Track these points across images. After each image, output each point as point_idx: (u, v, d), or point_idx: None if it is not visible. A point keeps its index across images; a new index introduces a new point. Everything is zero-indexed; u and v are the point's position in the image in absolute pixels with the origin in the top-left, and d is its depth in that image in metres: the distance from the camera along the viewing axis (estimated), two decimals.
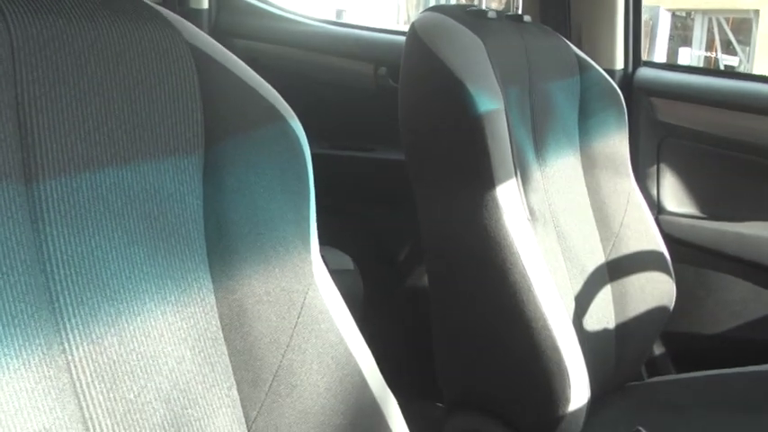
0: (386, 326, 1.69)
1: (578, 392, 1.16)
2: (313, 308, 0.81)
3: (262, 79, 0.82)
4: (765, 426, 1.35)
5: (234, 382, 0.76)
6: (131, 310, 0.68)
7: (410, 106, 1.18)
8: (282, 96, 0.82)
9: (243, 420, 0.76)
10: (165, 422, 0.69)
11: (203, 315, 0.74)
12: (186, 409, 0.71)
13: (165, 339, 0.70)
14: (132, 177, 0.69)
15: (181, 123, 0.73)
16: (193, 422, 0.71)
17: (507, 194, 1.14)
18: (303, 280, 0.81)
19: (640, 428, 1.12)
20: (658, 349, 1.76)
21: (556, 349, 1.13)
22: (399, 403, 0.89)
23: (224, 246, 0.76)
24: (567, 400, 1.15)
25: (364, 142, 1.92)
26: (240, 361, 0.76)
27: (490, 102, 1.13)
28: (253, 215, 0.77)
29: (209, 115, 0.75)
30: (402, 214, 1.89)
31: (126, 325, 0.67)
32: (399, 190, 1.88)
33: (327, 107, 1.91)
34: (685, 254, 1.69)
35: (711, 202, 1.77)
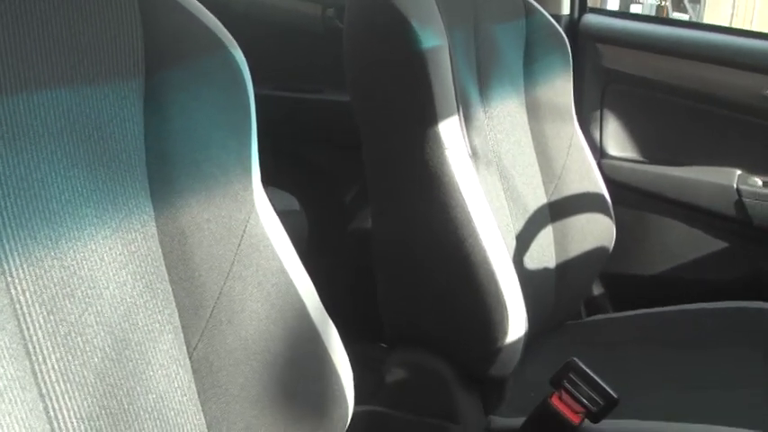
0: (330, 267, 1.71)
1: (516, 325, 1.19)
2: (254, 236, 0.82)
3: (204, 8, 0.82)
4: (696, 361, 1.40)
5: (175, 309, 0.77)
6: (72, 233, 0.68)
7: (354, 44, 1.18)
8: None
9: (184, 347, 0.77)
10: (105, 345, 0.70)
11: (144, 241, 0.75)
12: (128, 333, 0.72)
13: (106, 264, 0.71)
14: (72, 99, 0.69)
15: (121, 49, 0.73)
16: (134, 347, 0.72)
17: (450, 131, 1.16)
18: (244, 208, 0.82)
19: (574, 359, 1.15)
20: (597, 289, 1.81)
21: (495, 283, 1.16)
22: (343, 344, 0.90)
23: (165, 173, 0.76)
24: (504, 333, 1.18)
25: (312, 84, 1.91)
26: (181, 288, 0.77)
27: (434, 38, 1.14)
28: (194, 143, 0.78)
29: (150, 42, 0.75)
30: (349, 156, 1.89)
31: (66, 248, 0.68)
32: (347, 132, 1.89)
33: (275, 49, 1.90)
34: (626, 197, 1.72)
35: (652, 147, 1.81)
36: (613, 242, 1.58)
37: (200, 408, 0.78)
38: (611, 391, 1.12)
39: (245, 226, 0.82)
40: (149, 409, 0.72)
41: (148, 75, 0.75)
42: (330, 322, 0.91)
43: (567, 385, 1.15)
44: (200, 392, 0.78)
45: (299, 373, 0.85)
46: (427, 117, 1.14)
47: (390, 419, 1.24)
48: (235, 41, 0.82)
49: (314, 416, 0.86)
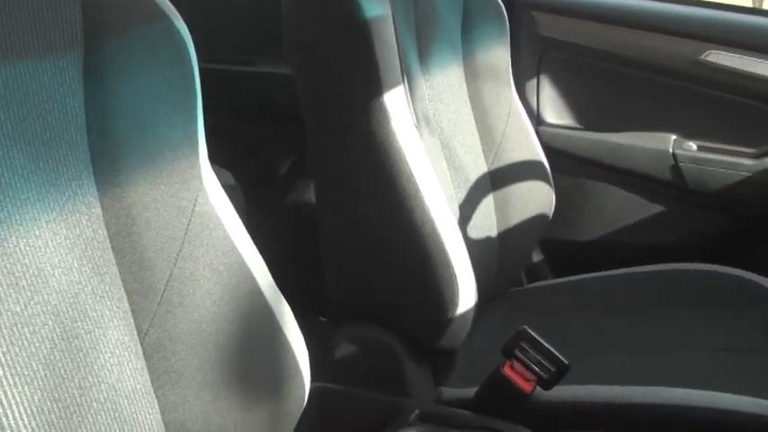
0: (268, 241, 1.68)
1: (466, 296, 1.18)
2: (203, 215, 0.79)
3: None
4: (639, 324, 1.42)
5: (124, 294, 0.74)
6: (13, 218, 0.64)
7: (294, 15, 1.15)
8: None
9: (135, 332, 0.74)
10: (54, 335, 0.66)
11: (89, 224, 0.71)
12: (76, 322, 0.68)
13: (51, 249, 0.67)
14: (7, 75, 0.64)
15: (58, 21, 0.69)
16: (84, 335, 0.69)
17: (395, 102, 1.14)
18: (192, 186, 0.79)
19: (525, 327, 1.15)
20: (537, 256, 1.82)
21: (444, 253, 1.15)
22: None
23: (109, 151, 0.72)
24: (455, 304, 1.17)
25: (244, 56, 1.87)
26: (130, 271, 0.74)
27: (377, 7, 1.11)
28: (138, 119, 0.74)
29: (89, 13, 0.71)
30: (282, 128, 1.86)
31: (7, 234, 0.64)
32: (280, 104, 1.85)
33: (204, 20, 1.85)
34: (564, 164, 1.73)
35: (589, 113, 1.82)
36: (553, 209, 1.59)
37: (153, 394, 0.75)
38: (563, 358, 1.13)
39: (194, 205, 0.79)
40: (102, 400, 0.69)
41: (88, 48, 0.71)
42: (283, 299, 0.88)
43: (519, 354, 1.14)
44: (154, 379, 0.75)
45: (254, 353, 0.83)
46: (372, 88, 1.12)
47: (340, 396, 1.23)
48: (177, 13, 0.79)
49: (271, 396, 0.84)
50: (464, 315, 1.19)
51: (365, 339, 1.24)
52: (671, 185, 1.71)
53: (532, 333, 1.14)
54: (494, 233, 1.49)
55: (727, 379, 1.20)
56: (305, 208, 1.81)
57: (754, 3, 3.42)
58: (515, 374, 1.15)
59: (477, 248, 1.35)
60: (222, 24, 1.85)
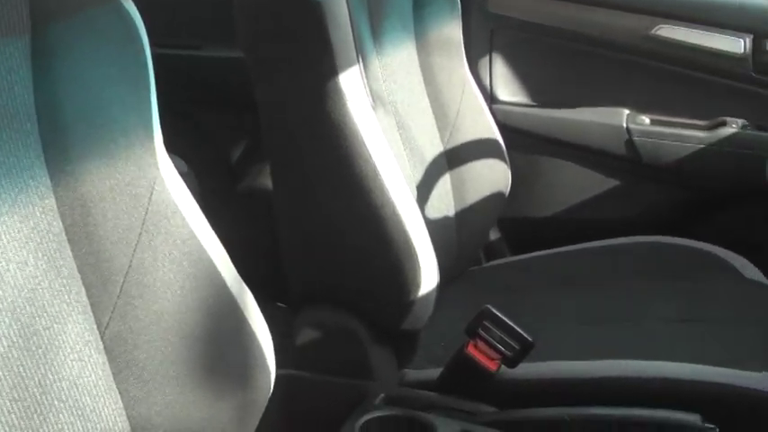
0: (222, 229, 1.65)
1: (428, 277, 1.18)
2: (161, 202, 0.77)
3: None
4: (599, 297, 1.43)
5: (82, 287, 0.71)
6: None
7: None
8: None
9: (95, 326, 0.72)
10: (11, 332, 0.64)
11: (44, 216, 0.69)
12: (34, 318, 0.66)
13: (4, 243, 0.65)
14: None
15: (3, 6, 0.66)
16: (42, 332, 0.67)
17: (351, 82, 1.12)
18: (148, 173, 0.76)
19: (488, 306, 1.15)
20: (495, 234, 1.82)
21: (405, 235, 1.14)
22: None
23: (60, 140, 0.70)
24: (417, 286, 1.16)
25: (189, 39, 1.83)
26: (87, 263, 0.72)
27: None
28: (90, 105, 0.71)
29: None
30: (235, 114, 1.83)
31: None
32: (230, 88, 1.83)
33: (149, 2, 1.81)
34: (518, 141, 1.73)
35: (542, 90, 1.82)
36: (509, 187, 1.59)
37: (116, 389, 0.73)
38: (527, 335, 1.13)
39: (151, 192, 0.76)
40: (63, 398, 0.67)
41: (35, 32, 0.68)
42: (245, 287, 0.87)
43: (483, 333, 1.15)
44: (116, 373, 0.73)
45: (218, 343, 0.81)
46: (327, 69, 1.10)
47: (303, 382, 1.22)
48: None
49: (237, 386, 0.82)
50: (427, 296, 1.18)
51: (327, 324, 1.23)
52: (625, 160, 1.72)
53: (496, 311, 1.14)
54: (451, 213, 1.49)
55: (686, 349, 1.22)
56: (259, 194, 1.78)
57: None
58: (480, 354, 1.15)
59: (435, 229, 1.34)
60: (169, 7, 1.81)
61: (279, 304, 1.54)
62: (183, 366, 0.77)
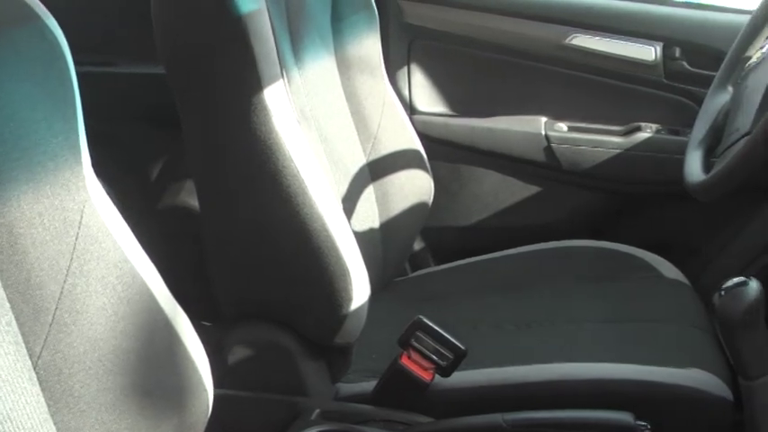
0: (143, 247, 1.62)
1: (360, 291, 1.17)
2: (91, 227, 0.75)
3: None
4: (526, 302, 1.46)
5: (13, 317, 0.69)
6: None
7: (166, 13, 1.10)
8: None
9: (27, 357, 0.69)
10: None
11: None
12: None
13: None
14: None
15: None
16: None
17: (275, 97, 1.11)
18: (77, 197, 0.74)
19: (420, 317, 1.15)
20: (419, 244, 1.83)
21: (335, 249, 1.14)
22: None
23: None
24: (349, 299, 1.16)
25: (102, 56, 1.79)
26: (17, 292, 0.69)
27: (252, 2, 1.08)
28: (14, 128, 0.69)
29: None
30: (150, 130, 1.80)
31: None
32: (147, 105, 1.79)
33: (64, 20, 1.76)
34: (439, 151, 1.74)
35: (461, 100, 1.84)
36: (432, 197, 1.60)
37: (51, 421, 0.71)
38: (459, 344, 1.14)
39: (81, 216, 0.74)
40: None
41: None
42: (179, 308, 0.85)
43: (415, 344, 1.15)
44: (51, 404, 0.71)
45: (154, 367, 0.79)
46: (251, 85, 1.09)
47: (237, 402, 1.20)
48: (47, 11, 0.74)
49: (175, 410, 0.81)
50: (359, 309, 1.18)
51: (259, 341, 1.22)
52: (545, 166, 1.76)
53: (428, 322, 1.15)
54: (376, 225, 1.49)
55: (614, 349, 1.25)
56: (180, 211, 1.75)
57: None
58: (413, 364, 1.16)
59: (361, 241, 1.34)
60: (80, 24, 1.77)
61: (204, 323, 1.52)
62: (121, 393, 0.75)
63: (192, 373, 0.83)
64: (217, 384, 0.90)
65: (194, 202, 1.25)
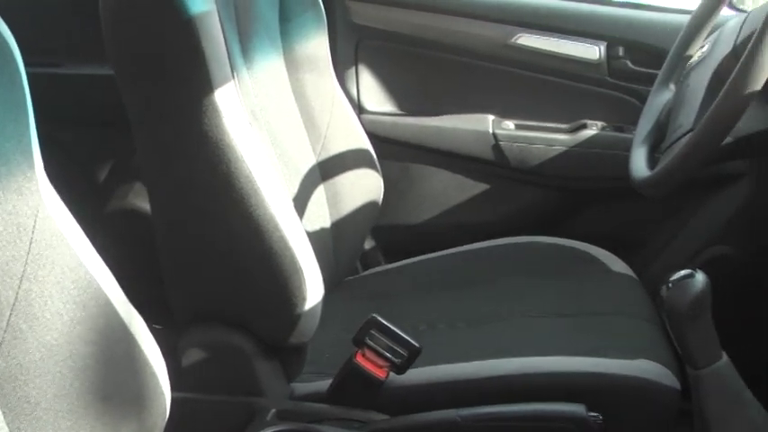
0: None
1: (313, 290, 1.18)
2: (45, 231, 0.74)
3: None
4: (479, 298, 1.47)
5: None
6: None
7: (115, 14, 1.09)
8: None
9: None
10: None
11: None
12: None
13: None
14: None
15: None
16: None
17: (227, 99, 1.11)
18: (30, 201, 0.74)
19: (375, 315, 1.16)
20: (370, 243, 1.84)
21: (288, 249, 1.14)
22: None
23: None
24: (303, 299, 1.16)
25: (48, 57, 1.77)
26: None
27: (202, 3, 1.08)
28: None
29: None
30: (97, 132, 1.78)
31: None
32: (92, 106, 1.77)
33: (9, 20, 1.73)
34: (388, 150, 1.75)
35: (409, 99, 1.85)
36: (382, 196, 1.61)
37: (6, 430, 0.70)
38: (413, 342, 1.15)
39: (35, 221, 0.73)
40: None
41: None
42: (134, 311, 0.85)
43: (370, 342, 1.16)
44: (7, 412, 0.70)
45: (112, 372, 0.79)
46: (202, 86, 1.08)
47: (193, 404, 1.19)
48: None
49: (134, 414, 0.81)
50: (313, 309, 1.19)
51: (213, 343, 1.21)
52: (494, 164, 1.77)
53: (382, 320, 1.16)
54: (327, 224, 1.50)
55: (566, 343, 1.27)
56: (129, 214, 1.74)
57: None
58: (368, 362, 1.17)
59: (312, 241, 1.35)
60: (24, 24, 1.74)
61: (156, 326, 1.51)
62: (78, 399, 0.74)
63: (149, 376, 0.83)
64: (173, 387, 0.90)
65: (145, 205, 1.24)
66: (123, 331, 0.81)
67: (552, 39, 1.75)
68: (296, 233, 1.17)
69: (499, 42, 1.77)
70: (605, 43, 1.73)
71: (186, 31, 1.06)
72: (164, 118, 1.12)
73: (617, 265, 1.51)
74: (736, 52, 1.25)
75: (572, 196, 1.78)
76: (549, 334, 1.31)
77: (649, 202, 1.48)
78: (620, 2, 1.84)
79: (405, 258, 1.69)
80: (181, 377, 1.19)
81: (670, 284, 1.06)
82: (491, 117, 1.79)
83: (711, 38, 1.39)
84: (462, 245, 1.65)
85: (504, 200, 1.80)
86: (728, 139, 1.18)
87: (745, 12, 1.43)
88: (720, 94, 1.13)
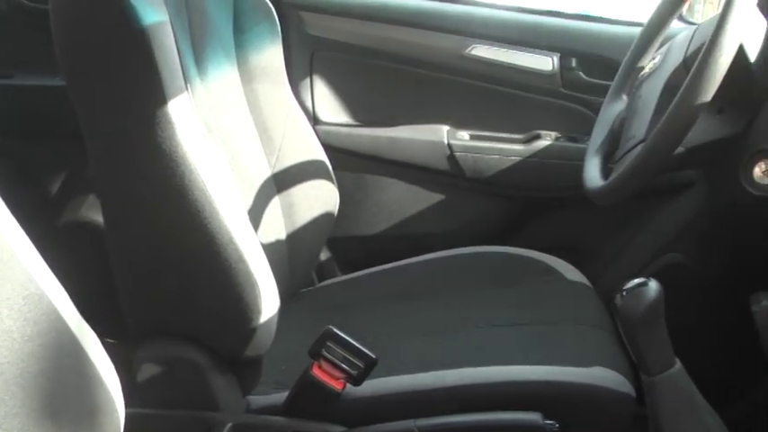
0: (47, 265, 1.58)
1: (269, 302, 1.17)
2: None
3: None
4: (431, 308, 1.48)
5: None
6: None
7: (66, 26, 1.07)
8: None
9: None
10: None
11: None
12: None
13: None
14: None
15: None
16: None
17: (180, 111, 1.10)
18: None
19: (330, 327, 1.16)
20: (325, 254, 1.83)
21: (243, 261, 1.13)
22: None
23: None
24: (258, 312, 1.15)
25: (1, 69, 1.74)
26: None
27: (155, 13, 1.06)
28: None
29: None
30: (50, 144, 1.76)
31: None
32: (43, 119, 1.75)
33: None
34: (344, 161, 1.75)
35: (364, 110, 1.85)
36: (337, 207, 1.61)
37: None
38: (370, 353, 1.15)
39: None
40: None
41: None
42: (87, 327, 0.83)
43: (326, 354, 1.16)
44: None
45: (63, 389, 0.77)
46: (156, 98, 1.07)
47: (148, 420, 1.17)
48: None
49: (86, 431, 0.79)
50: (268, 321, 1.18)
51: (168, 357, 1.20)
52: (449, 175, 1.78)
53: (338, 332, 1.16)
54: (283, 236, 1.49)
55: (522, 352, 1.28)
56: (82, 227, 1.71)
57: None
58: (324, 374, 1.17)
59: (268, 253, 1.34)
60: None
61: (110, 340, 1.49)
62: (29, 417, 0.73)
63: (101, 393, 0.82)
64: (127, 403, 0.88)
65: (99, 217, 1.22)
66: (75, 347, 0.79)
67: (506, 50, 1.77)
68: (251, 245, 1.16)
69: (454, 53, 1.78)
70: (559, 54, 1.75)
71: (138, 43, 1.05)
72: (116, 130, 1.11)
73: (572, 273, 1.53)
74: (686, 64, 1.28)
75: (527, 206, 1.80)
76: (505, 343, 1.32)
77: (603, 212, 1.50)
78: (573, 14, 1.86)
79: (361, 269, 1.69)
80: (135, 393, 1.18)
81: (624, 293, 1.07)
82: (446, 128, 1.80)
83: (662, 50, 1.42)
84: (418, 255, 1.66)
85: (459, 210, 1.81)
86: (680, 149, 1.20)
87: (695, 24, 1.46)
88: (671, 105, 1.15)
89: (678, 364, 1.11)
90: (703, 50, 1.11)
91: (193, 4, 1.33)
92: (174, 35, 1.14)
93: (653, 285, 1.07)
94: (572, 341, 1.31)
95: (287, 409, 1.19)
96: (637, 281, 1.08)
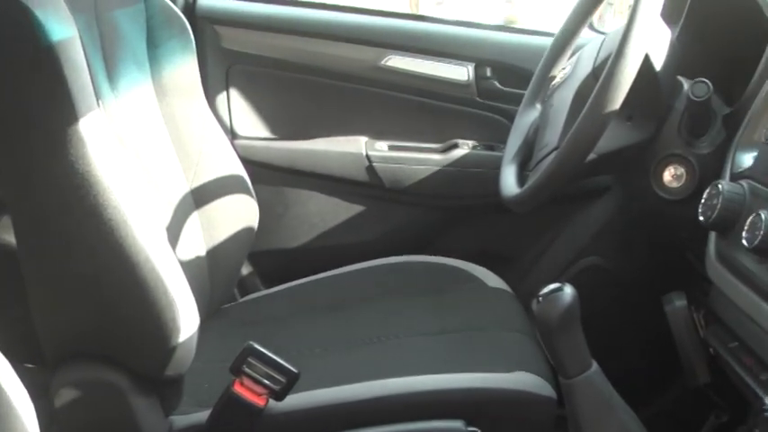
0: None
1: (188, 321, 1.15)
2: None
3: None
4: (353, 320, 1.48)
5: None
6: None
7: None
8: None
9: None
10: None
11: None
12: None
13: None
14: None
15: None
16: None
17: (91, 127, 1.07)
18: None
19: (251, 343, 1.15)
20: (247, 269, 1.82)
21: (161, 281, 1.11)
22: None
23: None
24: (177, 331, 1.13)
25: None
26: None
27: (63, 30, 1.04)
28: None
29: None
30: None
31: None
32: None
33: None
34: (262, 175, 1.74)
35: (282, 123, 1.85)
36: (257, 221, 1.60)
37: None
38: (291, 367, 1.14)
39: None
40: None
41: None
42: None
43: (248, 370, 1.15)
44: None
45: None
46: (66, 115, 1.04)
47: None
48: None
49: None
50: (188, 340, 1.16)
51: (86, 380, 1.17)
52: (368, 185, 1.79)
53: (258, 347, 1.15)
54: (202, 252, 1.48)
55: (445, 360, 1.29)
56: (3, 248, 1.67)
57: (411, 8, 3.65)
58: (246, 391, 1.16)
59: (187, 270, 1.32)
60: None
61: (27, 365, 1.45)
62: None
63: (13, 422, 0.79)
64: (44, 431, 0.86)
65: (11, 238, 1.18)
66: None
67: (422, 60, 1.79)
68: (168, 263, 1.14)
69: (369, 65, 1.79)
70: (473, 64, 1.78)
71: (47, 59, 1.02)
72: (26, 149, 1.08)
73: (492, 280, 1.55)
74: (595, 73, 1.31)
75: (446, 214, 1.81)
76: (427, 352, 1.33)
77: (521, 218, 1.52)
78: (487, 24, 1.89)
79: (283, 283, 1.68)
80: (54, 419, 1.15)
81: (540, 298, 1.09)
82: (364, 139, 1.81)
83: (573, 59, 1.45)
84: (340, 267, 1.66)
85: (379, 221, 1.81)
86: (592, 156, 1.23)
87: (604, 34, 1.50)
88: (582, 113, 1.17)
89: (595, 366, 1.13)
90: (610, 60, 1.14)
91: (104, 18, 1.31)
92: (84, 50, 1.12)
93: (568, 290, 1.09)
94: (494, 347, 1.32)
95: (210, 427, 1.18)
96: (552, 286, 1.10)
